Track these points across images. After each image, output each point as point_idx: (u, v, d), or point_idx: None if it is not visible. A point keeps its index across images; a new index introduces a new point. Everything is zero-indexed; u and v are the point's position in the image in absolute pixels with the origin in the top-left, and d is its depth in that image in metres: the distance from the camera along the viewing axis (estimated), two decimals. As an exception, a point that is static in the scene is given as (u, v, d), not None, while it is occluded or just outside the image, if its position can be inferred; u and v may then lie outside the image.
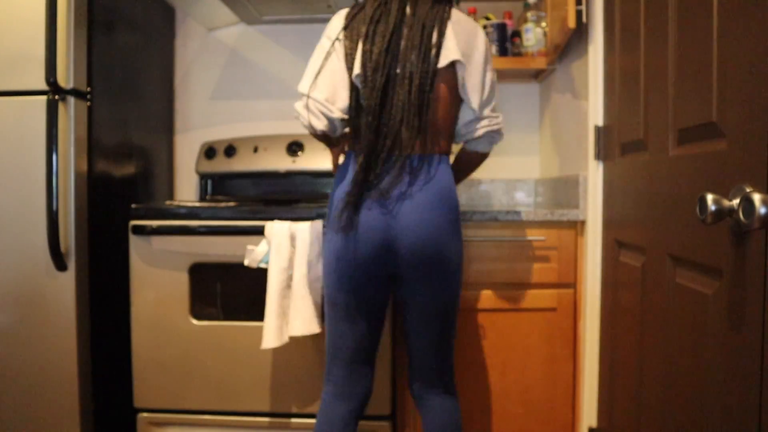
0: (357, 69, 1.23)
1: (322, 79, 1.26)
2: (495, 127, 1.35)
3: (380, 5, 1.28)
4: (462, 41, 1.27)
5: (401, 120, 1.21)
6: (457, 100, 1.30)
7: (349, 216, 1.22)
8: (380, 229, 1.21)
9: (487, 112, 1.33)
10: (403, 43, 1.24)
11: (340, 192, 1.26)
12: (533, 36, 1.97)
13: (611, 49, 1.45)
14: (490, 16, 2.09)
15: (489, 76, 1.32)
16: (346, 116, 1.26)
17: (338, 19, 1.31)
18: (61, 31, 1.60)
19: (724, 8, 0.87)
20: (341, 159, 1.41)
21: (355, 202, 1.22)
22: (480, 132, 1.34)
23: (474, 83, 1.28)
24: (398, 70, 1.23)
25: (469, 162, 1.47)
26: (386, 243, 1.22)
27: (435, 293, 1.25)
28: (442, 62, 1.23)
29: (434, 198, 1.22)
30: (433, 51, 1.23)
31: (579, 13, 1.57)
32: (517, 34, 2.04)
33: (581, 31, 1.65)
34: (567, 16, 1.57)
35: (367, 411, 1.64)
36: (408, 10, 1.27)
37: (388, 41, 1.23)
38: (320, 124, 1.26)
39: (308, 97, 1.25)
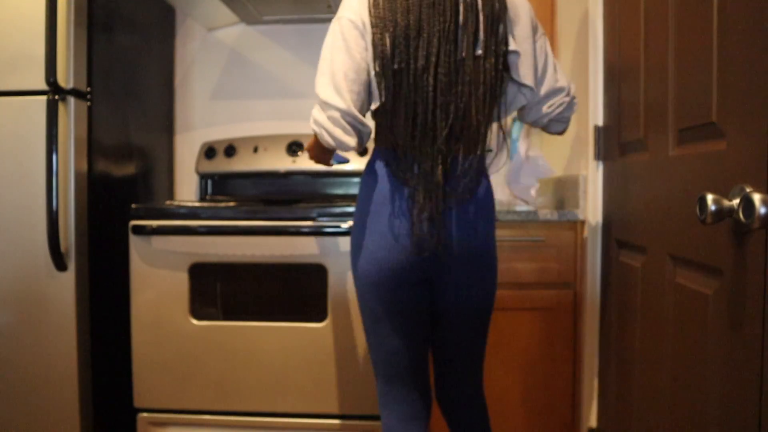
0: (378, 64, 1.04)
1: (347, 81, 1.04)
2: None
3: None
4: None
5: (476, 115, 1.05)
6: None
7: (434, 232, 1.05)
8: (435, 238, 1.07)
9: None
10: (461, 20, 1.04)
11: (389, 200, 1.09)
12: (533, 36, 1.97)
13: (611, 48, 1.45)
14: (490, 16, 2.09)
15: None
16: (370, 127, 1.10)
17: None
18: (61, 31, 1.60)
19: (724, 8, 0.87)
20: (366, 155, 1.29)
21: (433, 216, 1.05)
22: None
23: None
24: (464, 54, 1.04)
25: None
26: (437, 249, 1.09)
27: (480, 289, 1.17)
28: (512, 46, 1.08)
29: (486, 203, 1.14)
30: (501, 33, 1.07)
31: (579, 13, 1.57)
32: (517, 34, 2.04)
33: (581, 31, 1.65)
34: (567, 16, 1.58)
35: (363, 411, 1.65)
36: None
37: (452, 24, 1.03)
38: (352, 141, 1.05)
39: (338, 110, 1.03)
